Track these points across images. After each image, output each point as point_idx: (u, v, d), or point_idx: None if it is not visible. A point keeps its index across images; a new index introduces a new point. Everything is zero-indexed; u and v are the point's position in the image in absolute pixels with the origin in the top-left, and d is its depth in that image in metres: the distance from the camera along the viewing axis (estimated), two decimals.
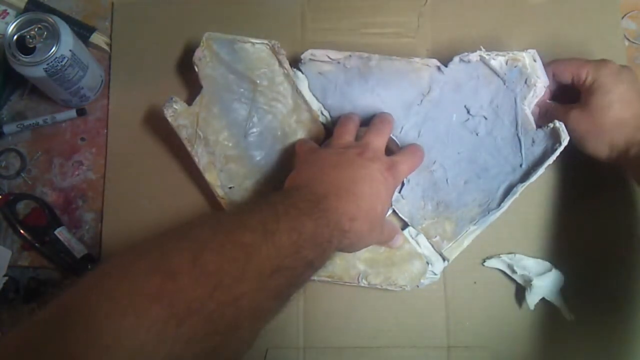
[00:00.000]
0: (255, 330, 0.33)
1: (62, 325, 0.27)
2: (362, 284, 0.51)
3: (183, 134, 0.50)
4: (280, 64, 0.52)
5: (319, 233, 0.37)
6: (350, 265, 0.51)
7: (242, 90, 0.52)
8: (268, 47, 0.51)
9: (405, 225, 0.53)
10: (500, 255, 0.52)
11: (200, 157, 0.51)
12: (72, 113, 0.55)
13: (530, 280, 0.51)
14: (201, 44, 0.51)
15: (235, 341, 0.31)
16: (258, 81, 0.52)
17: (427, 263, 0.51)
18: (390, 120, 0.50)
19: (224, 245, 0.32)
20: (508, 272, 0.52)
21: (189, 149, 0.50)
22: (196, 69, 0.51)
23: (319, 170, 0.43)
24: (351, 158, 0.43)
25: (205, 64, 0.51)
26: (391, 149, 0.51)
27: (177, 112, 0.50)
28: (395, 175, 0.45)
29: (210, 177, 0.51)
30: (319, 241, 0.37)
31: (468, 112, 0.52)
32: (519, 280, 0.52)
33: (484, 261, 0.52)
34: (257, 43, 0.51)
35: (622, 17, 0.58)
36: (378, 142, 0.46)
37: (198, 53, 0.51)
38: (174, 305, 0.28)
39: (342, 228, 0.39)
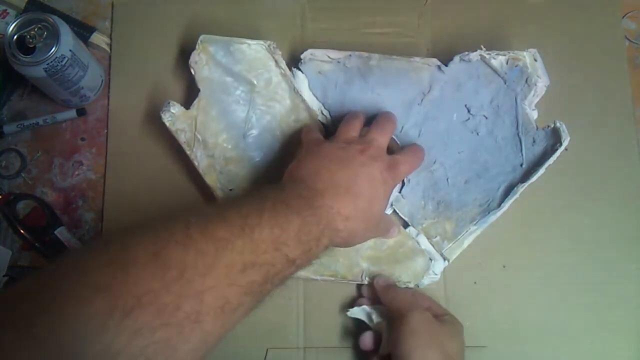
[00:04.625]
0: (223, 325, 0.32)
1: (2, 317, 0.27)
2: (366, 282, 0.51)
3: (181, 138, 0.50)
4: (277, 64, 0.51)
5: (306, 231, 0.36)
6: (354, 263, 0.51)
7: (239, 91, 0.52)
8: (264, 47, 0.51)
9: (405, 225, 0.53)
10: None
11: (200, 160, 0.51)
12: (72, 113, 0.55)
13: None
14: (196, 47, 0.50)
15: (196, 335, 0.30)
16: (255, 82, 0.52)
17: (430, 259, 0.51)
18: (394, 119, 0.49)
19: (194, 238, 0.32)
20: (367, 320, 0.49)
21: (188, 152, 0.50)
22: (193, 72, 0.51)
23: (320, 164, 0.43)
24: (353, 154, 0.43)
25: (201, 66, 0.51)
26: (391, 148, 0.51)
27: (174, 116, 0.49)
28: (395, 176, 0.45)
29: (210, 179, 0.51)
30: (305, 239, 0.36)
31: (468, 111, 0.52)
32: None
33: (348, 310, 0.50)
34: (253, 44, 0.51)
35: (622, 17, 0.58)
36: (381, 139, 0.46)
37: (194, 56, 0.50)
38: (121, 297, 0.28)
39: (335, 227, 0.39)
